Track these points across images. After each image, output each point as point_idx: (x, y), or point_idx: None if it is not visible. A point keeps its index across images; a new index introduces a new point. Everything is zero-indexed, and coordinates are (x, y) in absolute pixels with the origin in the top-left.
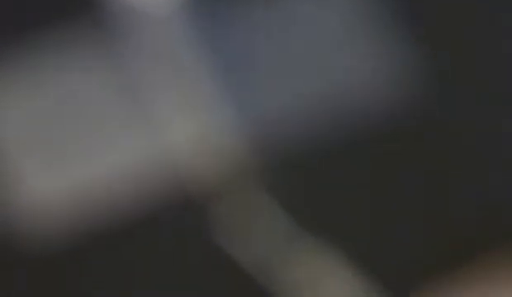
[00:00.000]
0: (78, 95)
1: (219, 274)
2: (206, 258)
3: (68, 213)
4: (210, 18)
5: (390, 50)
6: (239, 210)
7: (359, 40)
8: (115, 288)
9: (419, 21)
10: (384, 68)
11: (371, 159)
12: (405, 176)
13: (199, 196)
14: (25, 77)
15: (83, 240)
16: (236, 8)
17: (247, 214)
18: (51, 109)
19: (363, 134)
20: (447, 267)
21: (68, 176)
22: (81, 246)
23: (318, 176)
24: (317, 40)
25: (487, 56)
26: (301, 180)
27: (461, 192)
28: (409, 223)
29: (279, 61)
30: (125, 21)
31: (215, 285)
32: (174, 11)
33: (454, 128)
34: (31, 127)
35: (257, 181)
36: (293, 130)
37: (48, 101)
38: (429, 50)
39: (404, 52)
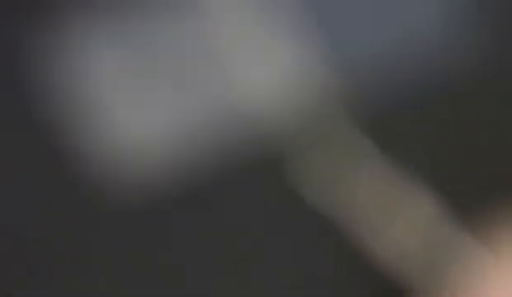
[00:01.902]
0: (158, 44)
1: (301, 221)
2: (288, 208)
3: (141, 165)
4: None
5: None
6: (324, 159)
7: None
8: (195, 241)
9: None
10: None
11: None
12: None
13: (280, 147)
14: (114, 27)
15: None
16: None
17: (333, 162)
18: (134, 59)
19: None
20: None
21: (142, 129)
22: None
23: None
24: None
25: None
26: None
27: None
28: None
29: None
30: None
31: (297, 235)
32: None
33: None
34: (113, 76)
35: (340, 127)
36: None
37: (130, 50)
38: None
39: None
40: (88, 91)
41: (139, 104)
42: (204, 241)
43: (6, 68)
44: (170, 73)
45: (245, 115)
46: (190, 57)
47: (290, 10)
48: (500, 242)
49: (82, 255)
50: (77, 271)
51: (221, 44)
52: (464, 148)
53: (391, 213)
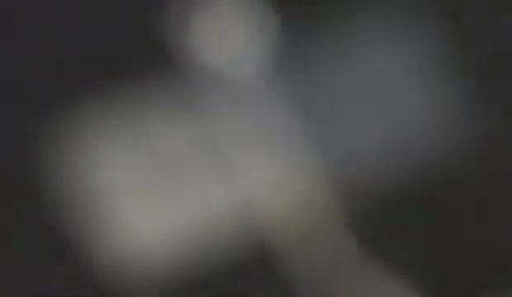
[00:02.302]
0: (162, 146)
1: None
2: None
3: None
4: (289, 75)
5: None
6: (321, 259)
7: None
8: None
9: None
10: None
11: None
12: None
13: (279, 246)
14: (121, 129)
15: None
16: (311, 65)
17: (328, 260)
18: (137, 164)
19: (441, 178)
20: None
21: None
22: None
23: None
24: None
25: None
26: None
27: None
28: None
29: (356, 109)
30: (205, 76)
31: None
32: (254, 69)
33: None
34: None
35: (337, 228)
36: (374, 174)
37: (134, 153)
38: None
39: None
40: (91, 198)
41: (140, 209)
42: None
43: (19, 177)
44: (171, 177)
45: (244, 216)
46: (190, 161)
47: (286, 116)
48: None
49: None
50: None
51: (221, 148)
52: (453, 246)
53: None
